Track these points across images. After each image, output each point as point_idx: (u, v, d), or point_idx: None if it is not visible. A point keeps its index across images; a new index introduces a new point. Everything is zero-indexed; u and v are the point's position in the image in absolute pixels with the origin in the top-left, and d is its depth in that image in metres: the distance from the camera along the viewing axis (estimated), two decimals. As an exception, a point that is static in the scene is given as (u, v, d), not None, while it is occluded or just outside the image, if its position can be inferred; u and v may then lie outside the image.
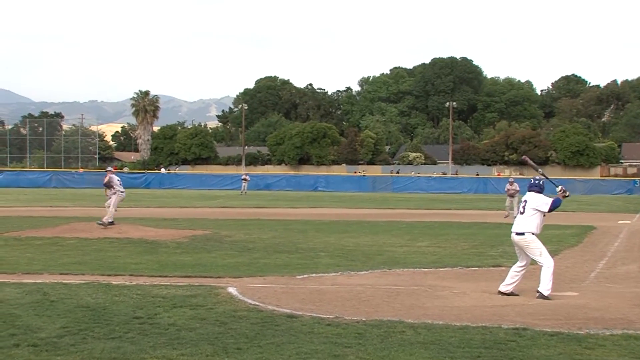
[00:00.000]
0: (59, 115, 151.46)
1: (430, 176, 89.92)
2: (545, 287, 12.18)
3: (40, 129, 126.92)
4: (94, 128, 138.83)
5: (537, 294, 12.16)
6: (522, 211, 12.69)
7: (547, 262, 12.40)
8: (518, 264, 12.69)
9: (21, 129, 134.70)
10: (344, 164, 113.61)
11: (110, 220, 25.04)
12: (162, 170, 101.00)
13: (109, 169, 29.49)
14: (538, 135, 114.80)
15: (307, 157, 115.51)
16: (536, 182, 13.04)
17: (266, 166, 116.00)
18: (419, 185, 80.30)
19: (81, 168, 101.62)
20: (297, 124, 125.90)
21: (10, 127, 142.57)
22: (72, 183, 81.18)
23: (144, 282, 13.40)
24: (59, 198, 53.13)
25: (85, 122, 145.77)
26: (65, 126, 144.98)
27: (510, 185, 35.32)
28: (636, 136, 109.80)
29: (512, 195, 34.23)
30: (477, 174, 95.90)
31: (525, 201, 12.74)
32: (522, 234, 12.55)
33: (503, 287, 12.60)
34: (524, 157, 14.53)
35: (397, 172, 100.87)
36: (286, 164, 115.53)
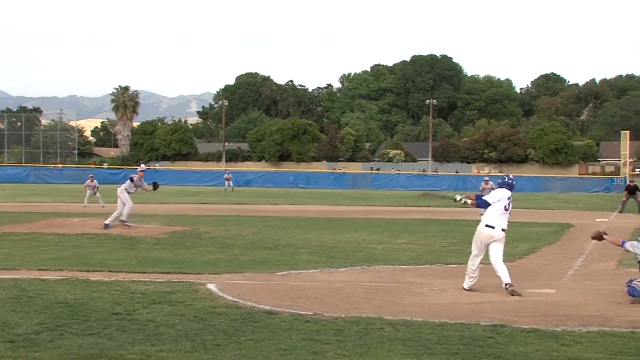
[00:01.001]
0: (37, 110, 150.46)
1: (410, 173, 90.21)
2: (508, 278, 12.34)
3: (19, 123, 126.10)
4: (73, 123, 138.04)
5: (509, 287, 12.17)
6: (508, 208, 12.66)
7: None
8: (477, 257, 12.67)
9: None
10: (324, 161, 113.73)
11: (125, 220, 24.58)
12: (142, 166, 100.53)
13: (143, 167, 29.03)
14: (517, 133, 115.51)
15: (287, 154, 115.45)
16: (510, 180, 13.04)
17: (246, 162, 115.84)
18: (399, 183, 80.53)
19: (60, 163, 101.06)
20: (278, 121, 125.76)
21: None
22: (50, 178, 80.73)
23: (123, 278, 13.35)
24: (38, 193, 52.86)
25: (64, 117, 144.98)
26: (44, 121, 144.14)
27: (486, 184, 35.36)
28: (614, 135, 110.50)
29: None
30: (457, 172, 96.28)
31: (509, 198, 12.72)
32: (504, 230, 12.62)
33: (467, 284, 12.67)
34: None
35: (377, 169, 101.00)
36: (266, 161, 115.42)
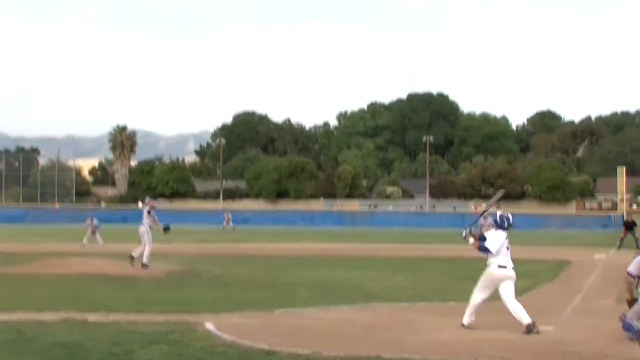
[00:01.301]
0: (35, 151, 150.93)
1: (408, 211, 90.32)
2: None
3: (17, 164, 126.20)
4: (70, 163, 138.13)
5: (533, 329, 11.89)
6: (508, 247, 12.58)
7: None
8: (485, 298, 12.59)
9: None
10: (322, 198, 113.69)
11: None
12: (140, 205, 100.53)
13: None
14: (514, 170, 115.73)
15: (285, 192, 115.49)
16: (507, 221, 12.92)
17: (244, 200, 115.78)
18: (397, 220, 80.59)
19: (57, 203, 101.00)
20: (275, 159, 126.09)
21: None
22: (48, 219, 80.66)
23: (121, 319, 13.28)
24: (35, 234, 52.69)
25: (62, 157, 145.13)
26: (41, 161, 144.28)
27: (485, 220, 35.10)
28: (610, 171, 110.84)
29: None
30: (455, 208, 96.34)
31: (507, 238, 12.66)
32: (513, 269, 12.48)
33: (467, 321, 12.56)
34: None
35: (375, 207, 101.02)
36: (264, 199, 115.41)
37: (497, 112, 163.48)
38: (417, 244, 41.48)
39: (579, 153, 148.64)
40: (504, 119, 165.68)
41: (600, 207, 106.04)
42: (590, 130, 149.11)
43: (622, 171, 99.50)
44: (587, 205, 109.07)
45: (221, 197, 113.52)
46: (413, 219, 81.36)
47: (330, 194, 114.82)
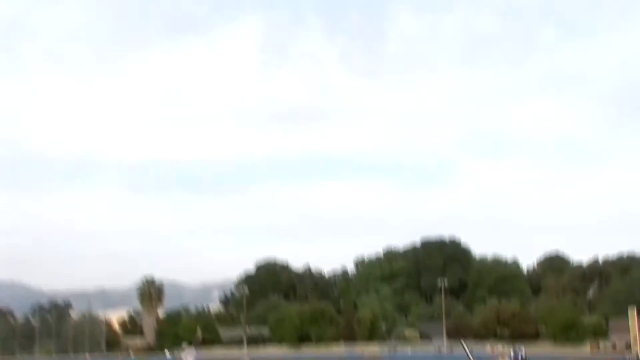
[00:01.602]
0: (67, 305, 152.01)
1: (427, 352, 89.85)
2: None
3: (50, 319, 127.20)
4: (101, 315, 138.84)
5: None
6: None
7: None
8: None
9: (31, 320, 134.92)
10: (343, 342, 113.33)
11: None
12: (167, 354, 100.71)
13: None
14: (527, 311, 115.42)
15: (307, 336, 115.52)
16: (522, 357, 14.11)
17: (268, 346, 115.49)
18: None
19: (89, 355, 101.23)
20: (297, 305, 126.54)
21: (20, 319, 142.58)
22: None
23: None
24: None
25: (92, 309, 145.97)
26: (73, 314, 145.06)
27: (502, 357, 35.64)
28: (622, 311, 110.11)
29: None
30: (472, 350, 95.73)
31: None
32: None
33: None
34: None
35: (395, 350, 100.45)
36: (287, 344, 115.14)
37: (507, 255, 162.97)
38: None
39: (590, 294, 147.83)
40: (515, 262, 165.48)
41: (614, 347, 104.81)
42: (599, 272, 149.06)
43: (632, 312, 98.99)
44: (602, 345, 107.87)
45: (245, 344, 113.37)
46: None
47: (351, 338, 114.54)
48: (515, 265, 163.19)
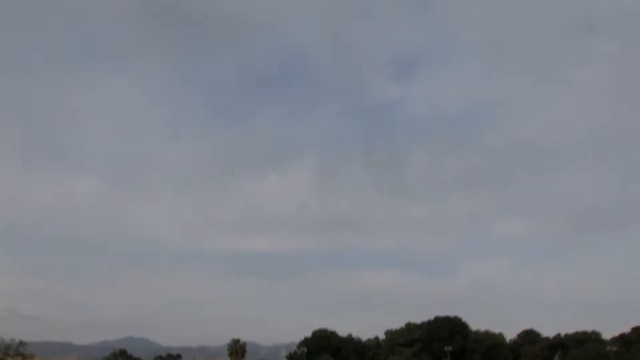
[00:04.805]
0: (179, 356, 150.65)
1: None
2: None
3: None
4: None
5: None
6: None
7: None
8: None
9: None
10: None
11: None
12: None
13: None
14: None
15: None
16: None
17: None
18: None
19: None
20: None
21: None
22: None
23: None
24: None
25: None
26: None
27: None
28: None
29: None
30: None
31: None
32: None
33: None
34: None
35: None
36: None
37: (495, 329, 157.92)
38: None
39: (555, 359, 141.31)
40: (501, 335, 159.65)
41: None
42: (562, 344, 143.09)
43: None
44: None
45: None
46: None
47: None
48: (501, 337, 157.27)
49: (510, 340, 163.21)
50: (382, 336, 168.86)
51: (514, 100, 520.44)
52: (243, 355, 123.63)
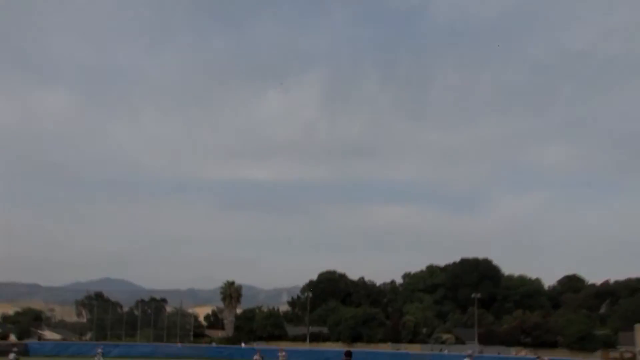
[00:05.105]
0: (163, 300, 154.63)
1: (460, 354, 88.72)
2: None
3: (149, 311, 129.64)
4: (190, 310, 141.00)
5: None
6: None
7: None
8: None
9: (134, 311, 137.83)
10: (389, 342, 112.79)
11: None
12: (242, 344, 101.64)
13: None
14: (547, 323, 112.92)
15: (359, 336, 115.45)
16: None
17: (326, 342, 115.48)
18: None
19: (179, 342, 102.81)
20: (352, 309, 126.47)
21: (126, 309, 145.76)
22: (173, 354, 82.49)
23: None
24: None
25: (184, 305, 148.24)
26: (168, 308, 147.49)
27: None
28: (630, 326, 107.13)
29: None
30: (499, 353, 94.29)
31: None
32: None
33: None
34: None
35: (441, 350, 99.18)
36: (342, 341, 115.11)
37: (532, 274, 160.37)
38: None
39: (602, 310, 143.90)
40: (538, 281, 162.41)
41: (622, 357, 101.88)
42: (610, 292, 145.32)
43: (638, 327, 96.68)
44: (611, 355, 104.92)
45: (308, 339, 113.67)
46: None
47: (396, 339, 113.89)
48: (538, 283, 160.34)
49: (549, 286, 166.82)
50: (399, 280, 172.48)
51: (562, 3, 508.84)
52: (238, 300, 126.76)
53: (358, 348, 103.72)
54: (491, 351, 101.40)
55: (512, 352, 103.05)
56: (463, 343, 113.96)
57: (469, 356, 27.61)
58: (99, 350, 58.46)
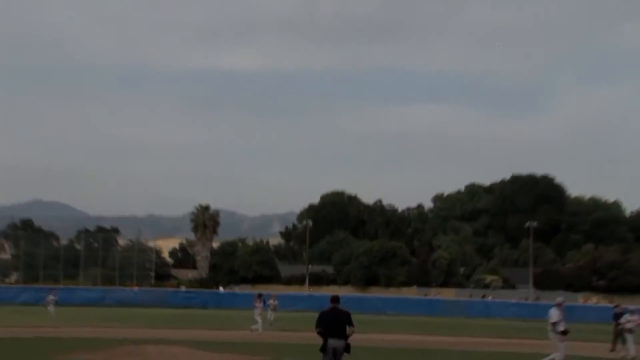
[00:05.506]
0: (115, 230, 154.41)
1: (509, 301, 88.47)
2: None
3: (96, 244, 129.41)
4: (150, 244, 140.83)
5: None
6: None
7: None
8: None
9: (75, 245, 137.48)
10: (415, 286, 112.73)
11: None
12: (221, 289, 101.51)
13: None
14: (629, 261, 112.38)
15: (374, 278, 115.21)
16: None
17: (331, 286, 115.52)
18: (497, 311, 78.99)
19: (136, 285, 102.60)
20: (365, 242, 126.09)
21: (64, 242, 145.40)
22: (127, 301, 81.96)
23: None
24: (112, 318, 53.43)
25: (142, 237, 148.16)
26: (121, 241, 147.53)
27: (631, 315, 32.38)
28: None
29: (631, 331, 31.32)
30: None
31: None
32: None
33: None
34: None
35: (484, 296, 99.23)
36: (352, 285, 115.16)
37: (608, 196, 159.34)
38: (520, 339, 40.51)
39: None
40: (616, 205, 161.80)
41: None
42: None
43: None
44: None
45: (307, 282, 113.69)
46: (515, 310, 79.57)
47: (424, 282, 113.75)
48: (616, 208, 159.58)
49: (631, 213, 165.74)
50: (428, 204, 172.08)
51: None
52: (214, 231, 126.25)
53: (373, 293, 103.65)
54: (551, 297, 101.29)
55: (580, 298, 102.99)
56: (513, 287, 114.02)
57: (558, 305, 26.24)
58: (51, 296, 56.50)
